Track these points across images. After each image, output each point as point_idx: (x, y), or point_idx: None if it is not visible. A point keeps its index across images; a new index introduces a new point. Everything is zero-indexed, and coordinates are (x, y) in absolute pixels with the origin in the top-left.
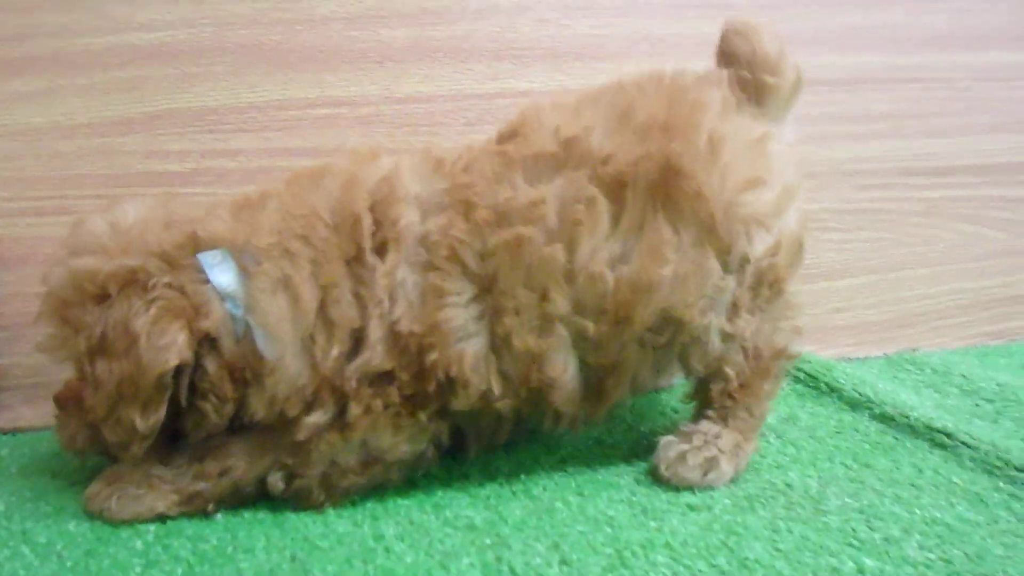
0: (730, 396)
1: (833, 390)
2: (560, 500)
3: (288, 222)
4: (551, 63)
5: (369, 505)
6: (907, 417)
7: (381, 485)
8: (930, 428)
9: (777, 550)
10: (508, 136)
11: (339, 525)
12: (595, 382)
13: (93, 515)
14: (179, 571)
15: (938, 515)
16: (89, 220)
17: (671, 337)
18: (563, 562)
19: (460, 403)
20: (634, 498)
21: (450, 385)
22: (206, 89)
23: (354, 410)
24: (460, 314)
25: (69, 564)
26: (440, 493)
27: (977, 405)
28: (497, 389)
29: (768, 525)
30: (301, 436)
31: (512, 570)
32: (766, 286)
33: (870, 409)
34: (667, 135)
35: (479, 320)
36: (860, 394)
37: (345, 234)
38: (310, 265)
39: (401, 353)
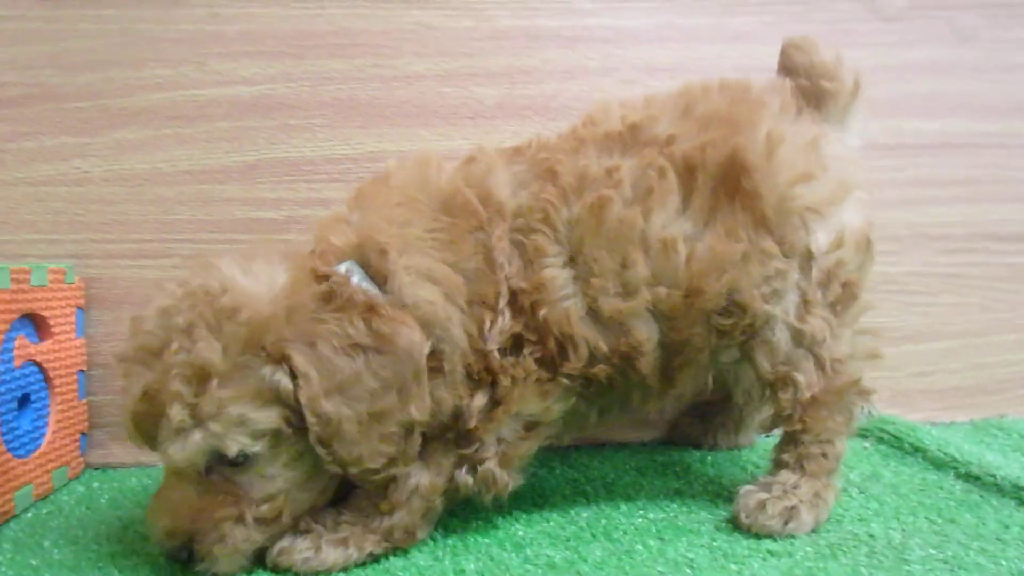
0: (802, 417)
1: (917, 450)
2: (640, 543)
3: (400, 214)
4: None
5: (451, 542)
6: (993, 476)
7: (552, 446)
8: (1017, 487)
9: None
10: (542, 145)
11: (420, 559)
12: (666, 361)
13: (287, 569)
14: None
15: (1023, 566)
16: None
17: (736, 321)
18: None
19: (571, 365)
20: (714, 543)
21: (563, 344)
22: (303, 141)
23: (503, 383)
24: (560, 274)
25: None
26: (521, 533)
27: None
28: (602, 347)
29: (851, 572)
30: (472, 423)
31: None
32: (837, 284)
33: (955, 469)
34: (730, 127)
35: (575, 282)
36: (945, 454)
37: (461, 215)
38: (440, 250)
39: (520, 312)
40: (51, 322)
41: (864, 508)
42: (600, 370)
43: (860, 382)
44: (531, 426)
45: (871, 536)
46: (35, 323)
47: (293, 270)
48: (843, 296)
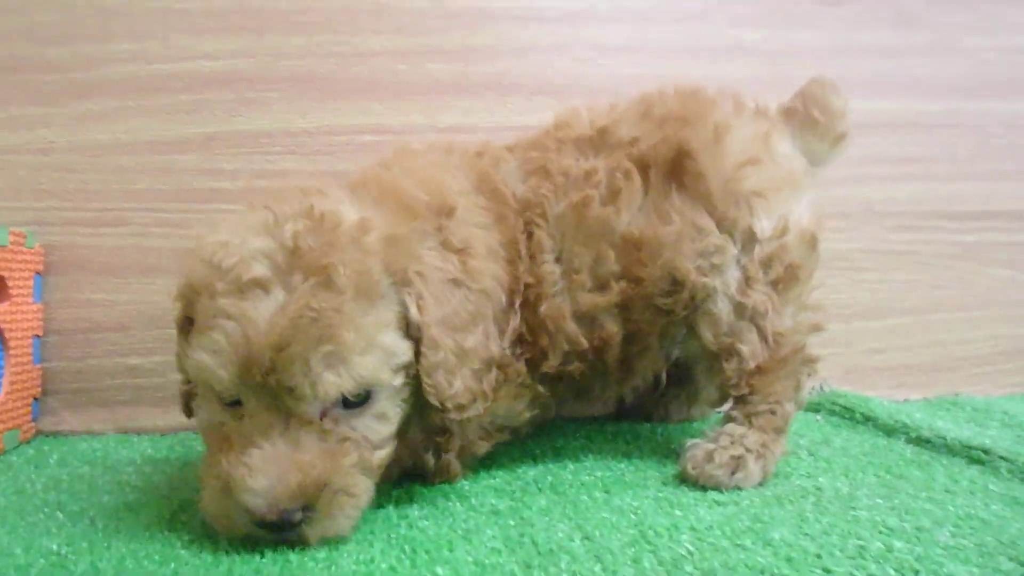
0: (748, 383)
1: (868, 419)
2: (586, 495)
3: (455, 183)
4: (588, 99)
5: (395, 493)
6: (943, 438)
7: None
8: (967, 447)
9: (804, 534)
10: (529, 144)
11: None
12: (626, 351)
13: None
14: (207, 535)
15: (972, 512)
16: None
17: (677, 298)
18: (585, 538)
19: (550, 363)
20: (660, 494)
21: (552, 342)
22: (261, 114)
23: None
24: (555, 269)
25: (100, 526)
26: (467, 487)
27: (1019, 436)
28: (583, 342)
29: (796, 516)
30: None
31: (534, 543)
32: (780, 265)
33: (906, 434)
34: (681, 124)
35: (563, 278)
36: (895, 421)
37: (494, 199)
38: (488, 228)
39: (524, 307)
40: (9, 284)
41: (813, 467)
42: (575, 368)
43: (804, 350)
44: (498, 427)
45: (818, 488)
46: None
47: (384, 207)
48: (785, 276)
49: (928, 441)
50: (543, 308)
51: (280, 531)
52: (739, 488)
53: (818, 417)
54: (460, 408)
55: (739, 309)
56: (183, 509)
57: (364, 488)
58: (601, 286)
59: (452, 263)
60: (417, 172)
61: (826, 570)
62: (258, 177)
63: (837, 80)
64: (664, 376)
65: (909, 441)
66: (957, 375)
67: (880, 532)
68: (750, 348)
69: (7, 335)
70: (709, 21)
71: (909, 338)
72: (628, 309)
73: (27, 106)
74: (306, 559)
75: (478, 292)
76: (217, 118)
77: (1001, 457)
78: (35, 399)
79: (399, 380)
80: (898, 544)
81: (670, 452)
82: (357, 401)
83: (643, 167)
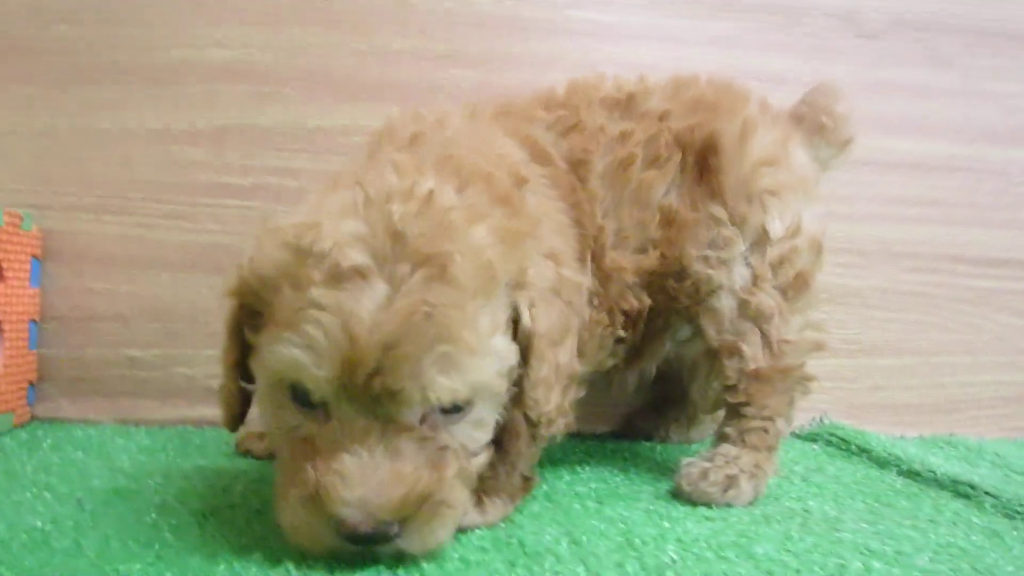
0: (745, 390)
1: (863, 451)
2: (578, 503)
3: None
4: None
5: None
6: (933, 472)
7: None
8: (955, 481)
9: (787, 551)
10: (546, 91)
11: None
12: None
13: None
14: (193, 520)
15: (953, 540)
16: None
17: (682, 285)
18: (573, 542)
19: (629, 307)
20: (651, 507)
21: (614, 296)
22: (274, 109)
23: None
24: (608, 225)
25: (88, 508)
26: None
27: (1007, 476)
28: (633, 304)
29: (781, 534)
30: None
31: (521, 544)
32: (790, 270)
33: (898, 466)
34: (713, 112)
35: (615, 234)
36: (889, 454)
37: (546, 163)
38: (555, 199)
39: (592, 259)
40: (3, 265)
41: (804, 491)
42: (612, 331)
43: (804, 367)
44: (582, 381)
45: (806, 511)
46: None
47: (470, 189)
48: (794, 283)
49: (918, 474)
50: (606, 260)
51: (373, 544)
52: (730, 505)
53: (815, 447)
54: (550, 424)
55: (744, 307)
56: (175, 497)
57: (463, 499)
58: (643, 250)
59: (550, 271)
60: (479, 144)
61: None
62: (269, 174)
63: (865, 117)
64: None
65: (900, 473)
66: (955, 417)
67: (861, 553)
68: (752, 350)
69: (2, 318)
70: (743, 47)
71: (912, 378)
72: (651, 284)
73: (28, 86)
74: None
75: (568, 304)
76: (229, 111)
77: (987, 492)
78: (31, 384)
79: (504, 386)
80: (877, 565)
81: (666, 470)
82: (457, 407)
83: (679, 145)
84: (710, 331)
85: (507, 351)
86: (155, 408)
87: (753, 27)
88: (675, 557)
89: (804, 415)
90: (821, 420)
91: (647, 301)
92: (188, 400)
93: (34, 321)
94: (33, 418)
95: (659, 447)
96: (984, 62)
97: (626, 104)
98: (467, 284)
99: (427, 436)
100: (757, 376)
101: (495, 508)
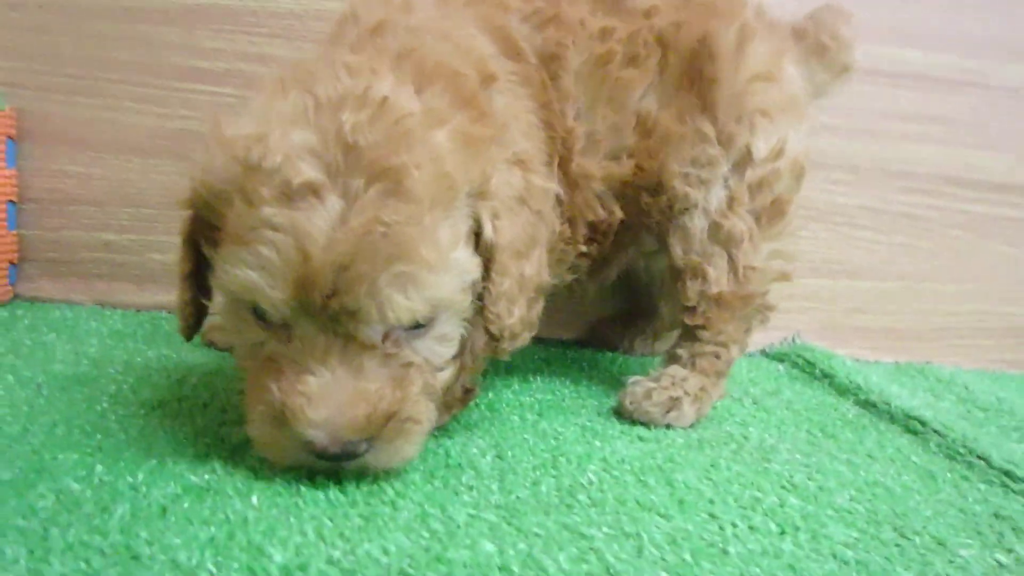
0: (704, 314)
1: (826, 376)
2: (517, 415)
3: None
4: None
5: None
6: (888, 404)
7: None
8: (907, 416)
9: (708, 479)
10: None
11: None
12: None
13: None
14: (142, 411)
15: (881, 479)
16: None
17: (656, 200)
18: (497, 456)
19: (578, 232)
20: (588, 423)
21: (579, 206)
22: None
23: None
24: (579, 126)
25: (45, 393)
26: None
27: (969, 411)
28: (600, 215)
29: (709, 461)
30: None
31: (447, 455)
32: (768, 195)
33: (855, 395)
34: (708, 10)
35: (586, 138)
36: (850, 381)
37: (518, 58)
38: (524, 97)
39: (559, 165)
40: None
41: (751, 416)
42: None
43: (767, 295)
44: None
45: (745, 437)
46: None
47: (431, 88)
48: (771, 210)
49: (874, 405)
50: (573, 166)
51: (341, 461)
52: (670, 426)
53: (780, 367)
54: (513, 338)
55: (714, 230)
56: (130, 387)
57: (429, 414)
58: (615, 156)
59: (517, 179)
60: (446, 36)
61: (712, 515)
62: (240, 60)
63: (873, 23)
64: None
65: (857, 403)
66: (933, 345)
67: (782, 487)
68: (717, 273)
69: None
70: None
71: (894, 303)
72: (623, 196)
73: None
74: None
75: (537, 214)
76: None
77: (935, 431)
78: (12, 264)
79: (468, 300)
80: (793, 501)
81: (618, 384)
82: (419, 323)
83: (661, 44)
84: (677, 250)
85: (469, 264)
86: (131, 291)
87: None
88: (593, 479)
89: (777, 333)
90: (793, 340)
91: (618, 214)
92: (162, 285)
93: (12, 202)
94: (16, 296)
95: (620, 359)
96: None
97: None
98: (424, 197)
99: (390, 353)
100: (718, 300)
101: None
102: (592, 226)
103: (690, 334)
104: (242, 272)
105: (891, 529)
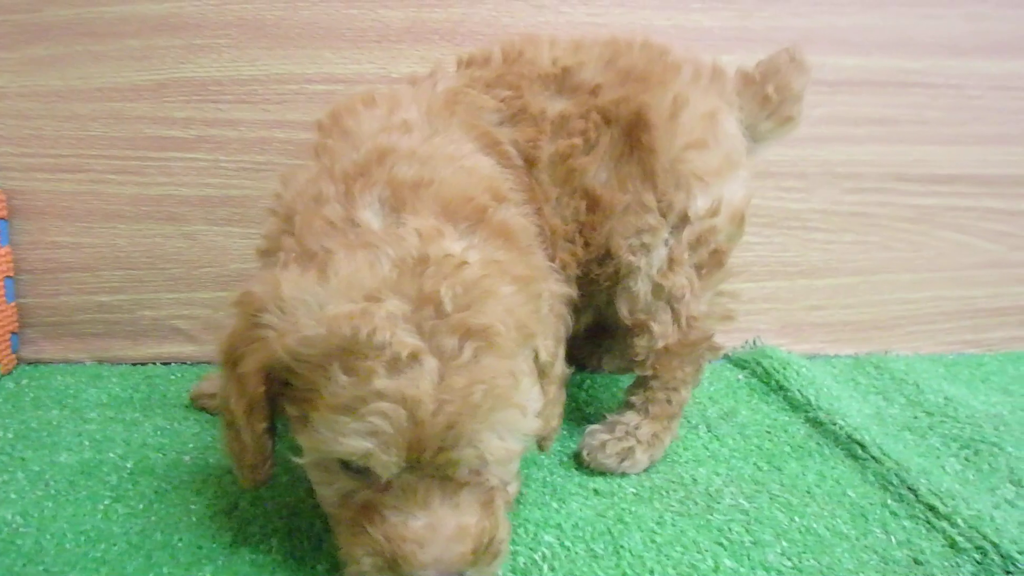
0: (653, 364)
1: (781, 388)
2: None
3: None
4: None
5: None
6: (835, 424)
7: None
8: (851, 440)
9: (652, 542)
10: (481, 61)
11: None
12: None
13: None
14: (140, 506)
15: (815, 526)
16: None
17: (604, 270)
18: None
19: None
20: (549, 478)
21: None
22: (210, 61)
23: None
24: (558, 222)
25: (53, 492)
26: None
27: (915, 418)
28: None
29: (656, 517)
30: None
31: None
32: (706, 249)
33: (806, 412)
34: (642, 84)
35: (563, 226)
36: (803, 396)
37: (508, 166)
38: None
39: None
40: None
41: (704, 449)
42: None
43: (712, 338)
44: None
45: (694, 480)
46: None
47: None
48: (709, 261)
49: (822, 424)
50: (558, 259)
51: None
52: (625, 474)
53: (740, 376)
54: (554, 434)
55: (657, 290)
56: (130, 476)
57: (508, 529)
58: (572, 240)
59: (547, 294)
60: (451, 159)
61: None
62: (209, 126)
63: (812, 33)
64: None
65: (807, 420)
66: (892, 333)
67: (718, 544)
68: (662, 328)
69: None
70: None
71: (852, 297)
72: (581, 275)
73: None
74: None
75: (559, 317)
76: (167, 65)
77: (873, 457)
78: (13, 334)
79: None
80: (727, 563)
81: (583, 420)
82: None
83: (605, 121)
84: (623, 311)
85: (539, 394)
86: (127, 347)
87: None
88: (547, 552)
89: (740, 335)
90: (754, 343)
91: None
92: (155, 339)
93: (9, 277)
94: (19, 361)
95: (588, 382)
96: None
97: (562, 78)
98: (510, 348)
99: (477, 483)
100: (666, 351)
101: None
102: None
103: (643, 382)
104: (355, 441)
105: None
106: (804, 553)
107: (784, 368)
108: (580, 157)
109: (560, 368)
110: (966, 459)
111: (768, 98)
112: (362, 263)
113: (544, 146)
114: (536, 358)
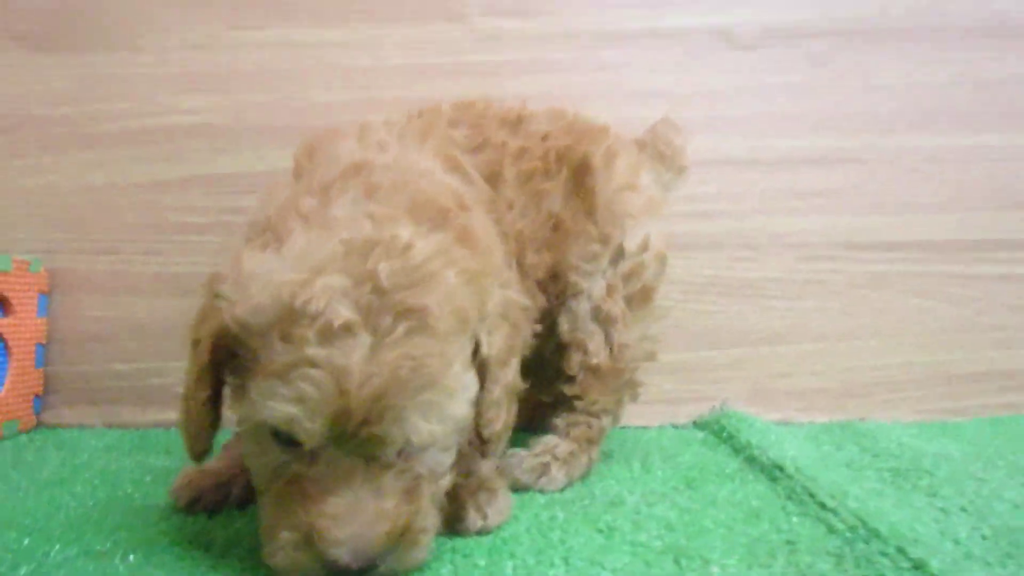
0: (582, 383)
1: (731, 438)
2: None
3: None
4: None
5: None
6: (767, 457)
7: None
8: (774, 464)
9: (536, 529)
10: (433, 110)
11: None
12: None
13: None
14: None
15: (703, 521)
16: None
17: (554, 288)
18: None
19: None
20: None
21: (533, 289)
22: (229, 159)
23: None
24: (524, 226)
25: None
26: None
27: (860, 458)
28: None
29: (549, 516)
30: None
31: None
32: (637, 283)
33: (746, 452)
34: (584, 136)
35: (528, 236)
36: (749, 441)
37: (472, 186)
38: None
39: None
40: (13, 301)
41: (629, 477)
42: None
43: (636, 371)
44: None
45: (605, 493)
46: (1, 302)
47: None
48: (638, 295)
49: (755, 459)
50: (527, 260)
51: (362, 574)
52: (543, 490)
53: (699, 435)
54: (498, 439)
55: (596, 312)
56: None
57: (436, 520)
58: (539, 250)
59: (500, 296)
60: (423, 174)
61: None
62: (224, 213)
63: (747, 120)
64: None
65: (744, 459)
66: (868, 400)
67: (599, 531)
68: (595, 347)
69: (10, 342)
70: (630, 69)
71: (819, 363)
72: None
73: (42, 156)
74: None
75: (514, 326)
76: (193, 164)
77: (788, 475)
78: (36, 396)
79: (473, 413)
80: (599, 541)
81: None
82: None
83: (560, 161)
84: (564, 327)
85: (473, 382)
86: (136, 412)
87: (638, 52)
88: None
89: (709, 403)
90: (721, 407)
91: (543, 301)
92: (160, 405)
93: (40, 344)
94: (39, 424)
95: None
96: (865, 57)
97: (516, 123)
98: (444, 331)
99: (404, 469)
100: (596, 371)
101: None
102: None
103: (568, 404)
104: (281, 405)
105: None
106: (678, 537)
107: (739, 423)
108: (543, 181)
109: (511, 375)
110: (891, 481)
111: (663, 154)
112: (315, 240)
113: (507, 167)
114: (477, 351)
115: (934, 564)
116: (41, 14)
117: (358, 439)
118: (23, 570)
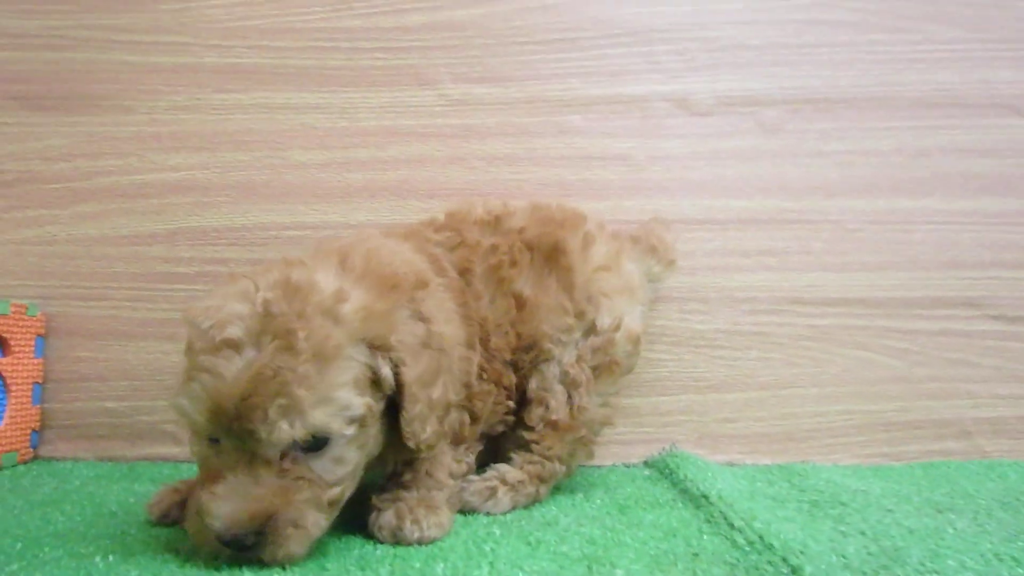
0: (540, 433)
1: (672, 474)
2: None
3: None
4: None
5: None
6: (697, 489)
7: None
8: (701, 494)
9: (466, 544)
10: (429, 221)
11: None
12: None
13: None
14: None
15: (623, 538)
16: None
17: (526, 356)
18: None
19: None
20: None
21: (500, 374)
22: (212, 214)
23: (478, 405)
24: (490, 315)
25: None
26: None
27: (788, 493)
28: (512, 380)
29: (485, 532)
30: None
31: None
32: (603, 355)
33: (683, 487)
34: (559, 225)
35: (494, 322)
36: (687, 477)
37: (443, 274)
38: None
39: (481, 342)
40: (11, 343)
41: (571, 504)
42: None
43: (591, 434)
44: (482, 435)
45: (543, 516)
46: (0, 343)
47: (367, 281)
48: (604, 367)
49: (687, 492)
50: (491, 343)
51: (236, 550)
52: (490, 513)
53: (646, 472)
54: (429, 448)
55: (563, 375)
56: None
57: (313, 521)
58: (506, 332)
59: (420, 329)
60: (393, 252)
61: None
62: (207, 264)
63: (701, 182)
64: None
65: (679, 492)
66: (809, 444)
67: (527, 544)
68: (557, 404)
69: (9, 381)
70: (588, 135)
71: (762, 410)
72: (512, 361)
73: (39, 209)
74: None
75: (439, 351)
76: (179, 217)
77: (711, 503)
78: (34, 431)
79: (351, 430)
80: (520, 547)
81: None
82: (314, 446)
83: (529, 248)
84: (532, 385)
85: (352, 402)
86: (126, 447)
87: (595, 118)
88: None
89: (659, 445)
90: (670, 448)
91: (513, 378)
92: (148, 441)
93: (38, 383)
94: (36, 456)
95: None
96: (814, 125)
97: (494, 224)
98: (308, 352)
99: (286, 468)
100: (554, 425)
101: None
102: (507, 388)
103: (525, 447)
104: (179, 401)
105: None
106: (596, 549)
107: (684, 461)
108: (507, 270)
109: (437, 392)
110: (807, 511)
111: (654, 247)
112: (252, 281)
113: (477, 263)
114: (377, 375)
115: (808, 570)
116: (38, 77)
117: (237, 432)
118: (15, 566)
